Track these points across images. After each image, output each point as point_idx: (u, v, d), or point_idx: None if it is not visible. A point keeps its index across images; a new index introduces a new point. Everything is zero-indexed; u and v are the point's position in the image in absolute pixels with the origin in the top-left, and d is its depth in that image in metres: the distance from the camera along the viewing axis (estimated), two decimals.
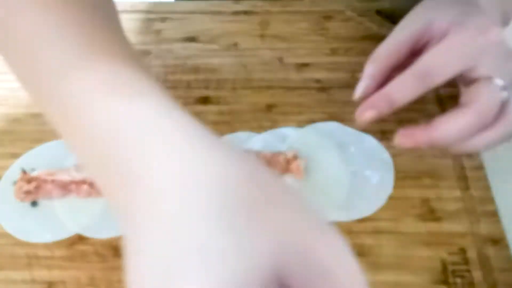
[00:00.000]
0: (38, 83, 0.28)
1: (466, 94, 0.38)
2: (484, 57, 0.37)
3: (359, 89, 0.40)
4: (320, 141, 0.46)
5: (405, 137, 0.39)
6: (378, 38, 0.56)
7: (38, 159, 0.46)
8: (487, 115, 0.37)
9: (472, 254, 0.40)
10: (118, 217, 0.25)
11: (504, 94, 0.37)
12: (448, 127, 0.37)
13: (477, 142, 0.38)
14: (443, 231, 0.42)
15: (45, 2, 0.27)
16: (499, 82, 0.37)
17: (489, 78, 0.37)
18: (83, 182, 0.43)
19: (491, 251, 0.40)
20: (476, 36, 0.37)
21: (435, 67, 0.37)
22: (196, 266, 0.20)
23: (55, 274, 0.40)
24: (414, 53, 0.40)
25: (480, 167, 0.46)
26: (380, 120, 0.49)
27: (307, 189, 0.44)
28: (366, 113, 0.38)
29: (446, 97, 0.51)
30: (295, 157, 0.44)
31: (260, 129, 0.49)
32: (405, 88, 0.37)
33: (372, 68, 0.40)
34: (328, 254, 0.22)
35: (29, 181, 0.43)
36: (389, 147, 0.47)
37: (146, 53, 0.56)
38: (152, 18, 0.60)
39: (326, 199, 0.43)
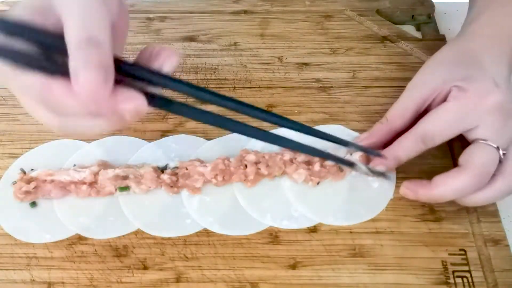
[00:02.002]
0: None
1: (464, 154, 0.40)
2: (482, 121, 0.39)
3: (364, 141, 0.44)
4: (322, 144, 0.46)
5: (408, 190, 0.41)
6: (379, 38, 0.57)
7: (37, 159, 0.46)
8: (482, 176, 0.38)
9: (472, 254, 0.40)
10: None
11: (499, 156, 0.39)
12: (446, 187, 0.39)
13: (476, 199, 0.39)
14: (443, 232, 0.42)
15: None
16: (494, 144, 0.39)
17: (485, 141, 0.39)
18: (82, 182, 0.43)
19: (491, 251, 0.40)
20: (475, 102, 0.39)
21: (434, 131, 0.40)
22: None
23: (54, 275, 0.40)
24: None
25: None
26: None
27: (306, 193, 0.43)
28: (377, 168, 0.42)
29: None
30: (291, 160, 0.44)
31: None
32: (408, 149, 0.41)
33: (379, 131, 0.44)
34: None
35: (28, 181, 0.43)
36: None
37: None
38: (152, 18, 0.60)
39: (326, 203, 0.43)
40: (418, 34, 0.58)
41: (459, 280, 0.39)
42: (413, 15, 0.59)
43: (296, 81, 0.53)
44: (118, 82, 0.30)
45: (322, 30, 0.58)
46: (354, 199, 0.43)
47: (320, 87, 0.52)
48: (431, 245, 0.41)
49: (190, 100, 0.36)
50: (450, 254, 0.40)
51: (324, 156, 0.41)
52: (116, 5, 0.32)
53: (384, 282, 0.39)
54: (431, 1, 0.60)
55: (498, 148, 0.38)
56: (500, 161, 0.39)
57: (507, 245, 0.41)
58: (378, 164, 0.42)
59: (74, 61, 0.28)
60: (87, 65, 0.28)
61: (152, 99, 0.31)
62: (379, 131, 0.44)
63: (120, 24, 0.33)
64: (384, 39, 0.57)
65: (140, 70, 0.32)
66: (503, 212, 0.43)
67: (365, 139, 0.44)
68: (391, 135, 0.43)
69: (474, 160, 0.38)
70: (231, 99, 0.35)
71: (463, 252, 0.40)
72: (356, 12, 0.59)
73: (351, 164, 0.42)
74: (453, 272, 0.39)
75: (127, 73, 0.31)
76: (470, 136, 0.40)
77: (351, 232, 0.42)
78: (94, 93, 0.28)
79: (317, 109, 0.50)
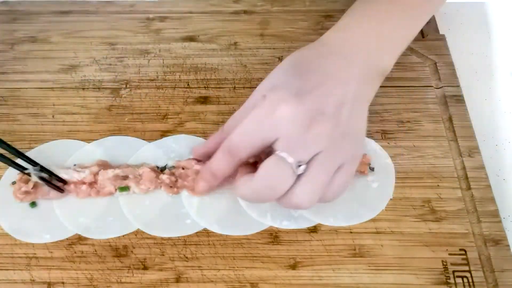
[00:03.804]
0: None
1: (262, 163, 0.37)
2: (278, 132, 0.36)
3: (200, 150, 0.44)
4: None
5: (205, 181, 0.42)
6: None
7: (37, 159, 0.46)
8: (269, 189, 0.36)
9: (472, 254, 0.40)
10: None
11: (292, 170, 0.36)
12: (243, 189, 0.38)
13: (280, 204, 0.39)
14: (443, 232, 0.42)
15: None
16: (289, 158, 0.36)
17: (279, 152, 0.36)
18: (82, 182, 0.43)
19: (491, 251, 0.40)
20: (268, 112, 0.37)
21: (237, 143, 0.38)
22: None
23: (54, 275, 0.40)
24: None
25: (480, 167, 0.45)
26: (381, 119, 0.49)
27: None
28: (199, 184, 0.42)
29: (448, 96, 0.51)
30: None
31: None
32: (221, 164, 0.40)
33: (214, 141, 0.42)
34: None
35: (28, 181, 0.42)
36: (390, 147, 0.47)
37: (146, 52, 0.56)
38: (152, 18, 0.60)
39: (325, 204, 0.43)
40: (418, 34, 0.58)
41: (459, 280, 0.39)
42: None
43: None
44: None
45: (322, 30, 0.58)
46: (354, 199, 0.43)
47: None
48: (431, 245, 0.41)
49: None
50: (450, 254, 0.40)
51: None
52: None
53: (384, 282, 0.39)
54: None
55: (289, 160, 0.36)
56: (298, 175, 0.36)
57: (507, 245, 0.41)
58: (199, 181, 0.42)
59: None
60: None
61: None
62: (213, 141, 0.42)
63: None
64: None
65: None
66: (503, 212, 0.43)
67: (200, 149, 0.44)
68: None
69: (260, 172, 0.36)
70: None
71: (463, 252, 0.40)
72: None
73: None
74: (453, 272, 0.39)
75: None
76: (274, 149, 0.37)
77: (351, 232, 0.42)
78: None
79: None
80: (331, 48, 0.42)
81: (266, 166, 0.37)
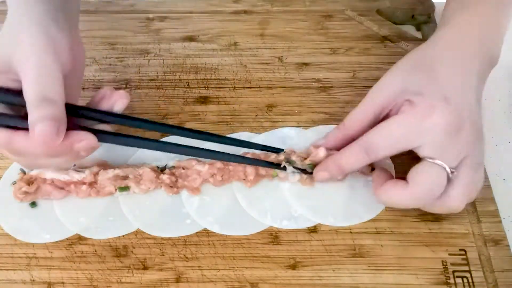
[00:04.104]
0: None
1: (412, 171, 0.38)
2: (427, 139, 0.38)
3: (322, 141, 0.44)
4: None
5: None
6: (379, 38, 0.57)
7: None
8: (427, 195, 0.38)
9: (472, 254, 0.40)
10: None
11: (446, 174, 0.37)
12: (391, 198, 0.39)
13: (430, 211, 0.41)
14: (443, 232, 0.42)
15: None
16: (441, 163, 0.37)
17: (432, 159, 0.38)
18: (82, 182, 0.43)
19: (491, 251, 0.40)
20: (419, 120, 0.38)
21: (378, 144, 0.39)
22: None
23: (54, 275, 0.40)
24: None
25: None
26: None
27: (306, 193, 0.43)
28: (320, 174, 0.42)
29: None
30: (288, 160, 0.44)
31: (260, 129, 0.48)
32: (353, 159, 0.40)
33: (335, 135, 0.43)
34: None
35: (28, 181, 0.42)
36: None
37: (146, 52, 0.56)
38: (152, 18, 0.60)
39: (326, 203, 0.43)
40: (418, 34, 0.58)
41: (459, 280, 0.39)
42: (413, 15, 0.59)
43: (296, 81, 0.53)
44: (73, 123, 0.36)
45: (322, 30, 0.58)
46: (354, 199, 0.43)
47: (320, 87, 0.52)
48: (431, 245, 0.41)
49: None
50: (450, 254, 0.40)
51: (253, 163, 0.43)
52: (67, 54, 0.37)
53: (384, 282, 0.39)
54: (431, 1, 0.60)
55: (445, 167, 0.37)
56: (450, 179, 0.38)
57: (507, 245, 0.41)
58: (320, 170, 0.41)
59: (31, 117, 0.34)
60: (42, 120, 0.33)
61: (102, 135, 0.38)
62: (335, 136, 0.43)
63: (75, 67, 0.39)
64: (384, 39, 0.57)
65: (92, 112, 0.39)
66: (503, 212, 0.43)
67: (320, 144, 0.44)
68: (347, 141, 0.42)
69: (418, 179, 0.38)
70: (170, 127, 0.43)
71: (463, 252, 0.40)
72: (356, 12, 0.59)
73: (278, 166, 0.43)
74: (453, 272, 0.39)
75: (81, 114, 0.38)
76: (419, 154, 0.39)
77: (351, 232, 0.42)
78: (49, 142, 0.34)
79: (317, 109, 0.50)
80: (449, 45, 0.42)
81: (424, 172, 0.38)
